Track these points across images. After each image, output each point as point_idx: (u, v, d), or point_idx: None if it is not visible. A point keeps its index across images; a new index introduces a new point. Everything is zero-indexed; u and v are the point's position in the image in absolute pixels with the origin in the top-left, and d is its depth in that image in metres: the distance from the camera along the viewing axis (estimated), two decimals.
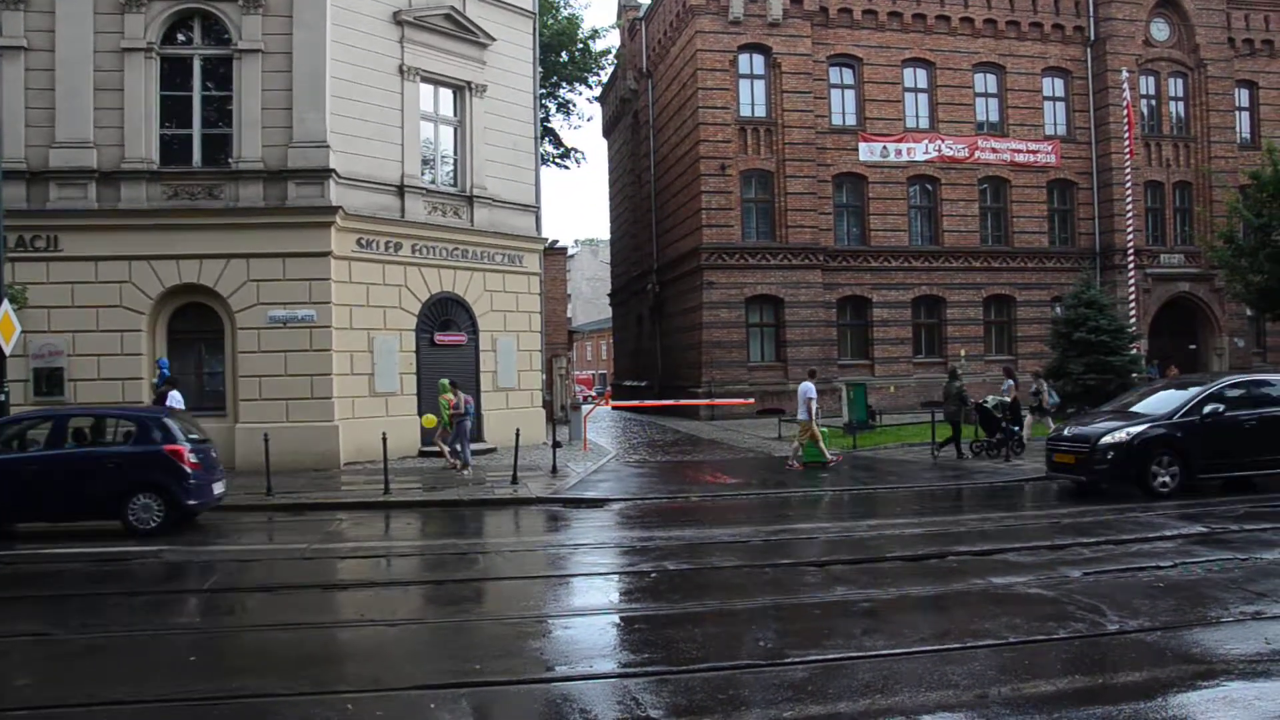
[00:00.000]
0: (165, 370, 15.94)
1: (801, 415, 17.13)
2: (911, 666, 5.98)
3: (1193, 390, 13.74)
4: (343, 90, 17.85)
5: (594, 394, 50.68)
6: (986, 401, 18.44)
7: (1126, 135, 30.05)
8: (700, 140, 29.89)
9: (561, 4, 36.98)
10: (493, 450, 19.54)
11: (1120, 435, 13.10)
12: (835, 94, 31.34)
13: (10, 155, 16.23)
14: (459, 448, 16.37)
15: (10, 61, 16.55)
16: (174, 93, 17.43)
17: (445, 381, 16.66)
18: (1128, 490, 13.13)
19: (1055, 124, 33.15)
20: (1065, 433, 14.31)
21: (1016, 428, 17.91)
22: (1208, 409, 13.14)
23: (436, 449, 18.86)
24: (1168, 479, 12.82)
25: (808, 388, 17.06)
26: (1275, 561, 8.91)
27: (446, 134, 20.47)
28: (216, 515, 12.65)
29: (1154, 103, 33.48)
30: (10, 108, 16.13)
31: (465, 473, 16.11)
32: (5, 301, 13.46)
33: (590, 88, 41.19)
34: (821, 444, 17.10)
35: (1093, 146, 32.98)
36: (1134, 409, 14.13)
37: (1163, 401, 13.87)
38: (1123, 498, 12.88)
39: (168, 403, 14.75)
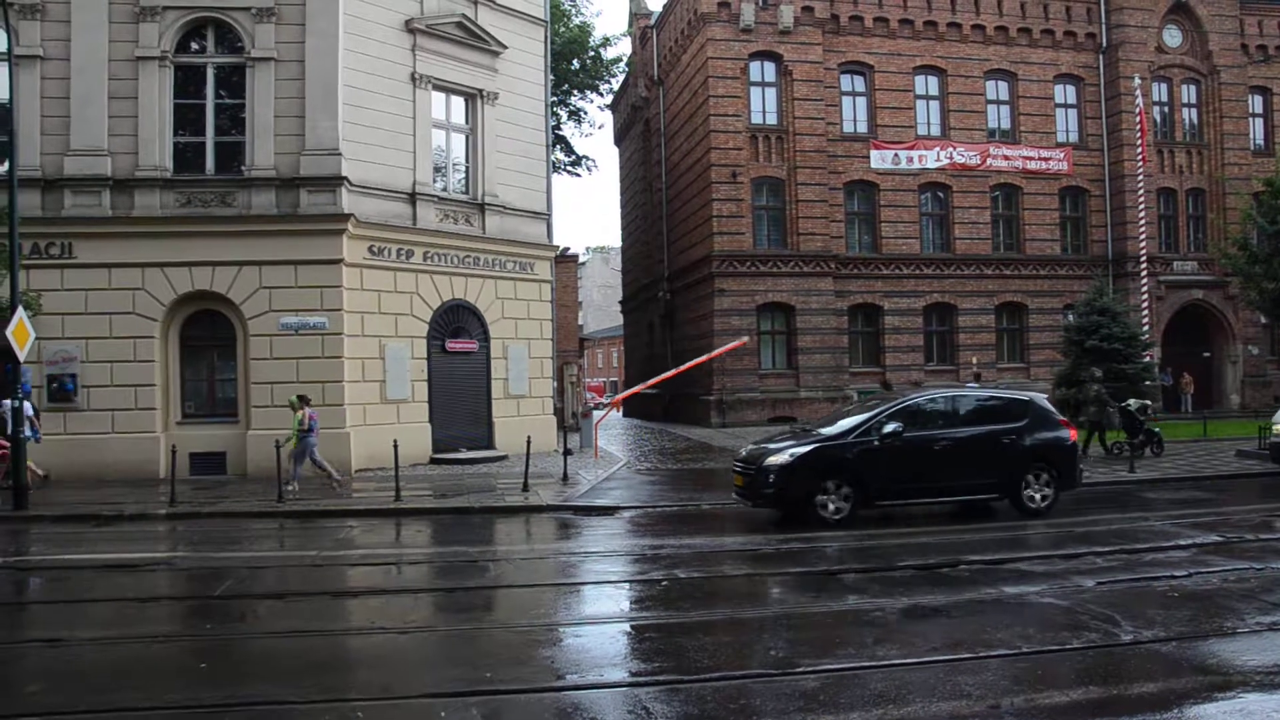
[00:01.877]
0: (25, 386, 14.44)
1: None
2: (923, 676, 5.94)
3: (877, 408, 12.43)
4: (355, 98, 17.94)
5: (605, 401, 50.64)
6: (1130, 404, 18.99)
7: (1139, 142, 29.98)
8: (711, 148, 29.92)
9: (573, 12, 37.14)
10: (504, 458, 19.54)
11: (784, 456, 11.70)
12: (846, 101, 31.34)
13: (25, 163, 16.35)
14: (296, 466, 15.07)
15: (26, 70, 16.70)
16: (187, 101, 17.55)
17: (294, 398, 15.46)
18: (802, 517, 11.71)
19: (1067, 131, 33.03)
20: (742, 452, 12.87)
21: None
22: (889, 428, 11.84)
23: (449, 456, 18.97)
24: (835, 507, 11.57)
25: (974, 389, 16.98)
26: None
27: (458, 141, 20.53)
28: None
29: (1167, 109, 33.33)
30: (26, 116, 16.27)
31: (290, 488, 14.58)
32: (20, 308, 13.52)
33: (602, 95, 41.41)
34: None
35: (1105, 153, 32.84)
36: (824, 428, 12.70)
37: (855, 419, 12.40)
38: (795, 525, 11.65)
39: (22, 412, 13.64)
